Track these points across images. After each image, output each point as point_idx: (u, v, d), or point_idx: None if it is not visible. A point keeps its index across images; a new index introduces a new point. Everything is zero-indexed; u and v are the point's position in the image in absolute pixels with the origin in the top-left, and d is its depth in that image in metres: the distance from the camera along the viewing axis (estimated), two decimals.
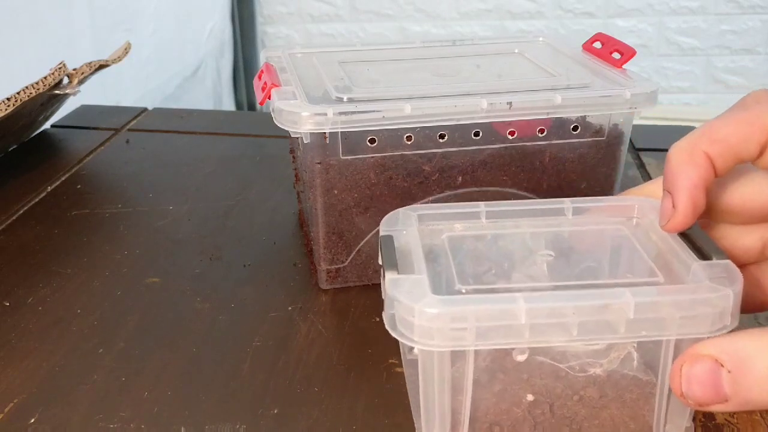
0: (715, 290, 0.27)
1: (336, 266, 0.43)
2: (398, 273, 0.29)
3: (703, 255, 0.30)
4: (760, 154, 0.30)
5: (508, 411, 0.30)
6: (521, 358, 0.30)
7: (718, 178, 0.31)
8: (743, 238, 0.33)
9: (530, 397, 0.30)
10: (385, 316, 0.29)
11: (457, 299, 0.28)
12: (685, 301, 0.27)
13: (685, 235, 0.31)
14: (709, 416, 0.34)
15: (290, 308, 0.42)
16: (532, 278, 0.32)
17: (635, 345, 0.31)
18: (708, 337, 0.27)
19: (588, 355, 0.31)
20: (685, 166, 0.30)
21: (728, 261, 0.29)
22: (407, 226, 0.33)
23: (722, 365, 0.26)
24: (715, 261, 0.29)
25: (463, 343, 0.27)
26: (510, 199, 0.43)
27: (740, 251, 0.33)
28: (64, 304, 0.43)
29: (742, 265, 0.33)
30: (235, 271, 0.46)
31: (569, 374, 0.31)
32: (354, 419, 0.34)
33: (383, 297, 0.29)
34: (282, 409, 0.35)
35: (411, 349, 0.31)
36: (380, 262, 0.31)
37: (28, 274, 0.46)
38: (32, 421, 0.34)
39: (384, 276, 0.29)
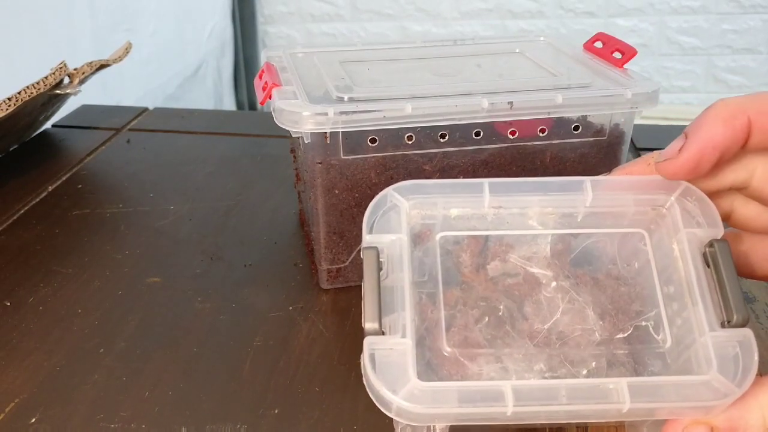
0: (722, 386, 0.26)
1: (337, 266, 0.43)
2: (380, 326, 0.27)
3: (724, 304, 0.28)
4: None
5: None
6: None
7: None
8: (766, 214, 0.32)
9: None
10: (364, 374, 0.27)
11: (440, 389, 0.26)
12: (685, 398, 0.26)
13: (715, 263, 0.29)
14: None
15: (291, 308, 0.42)
16: (530, 264, 0.30)
17: None
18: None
19: None
20: (719, 122, 0.29)
21: (747, 331, 0.27)
22: (395, 228, 0.30)
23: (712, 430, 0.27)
24: (733, 330, 0.27)
25: (444, 421, 0.26)
26: None
27: (760, 225, 0.32)
28: (64, 303, 0.43)
29: (757, 233, 0.32)
30: (236, 271, 0.46)
31: None
32: (355, 419, 0.34)
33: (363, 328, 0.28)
34: (283, 409, 0.35)
35: None
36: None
37: (29, 274, 0.46)
38: (33, 420, 0.34)
39: (364, 323, 0.27)
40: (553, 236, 0.31)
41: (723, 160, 0.30)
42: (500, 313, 0.30)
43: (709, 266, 0.29)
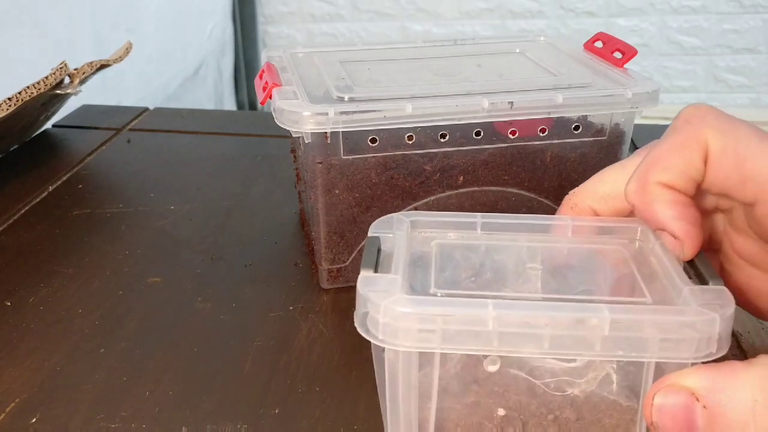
0: (701, 314, 0.26)
1: (337, 266, 0.43)
2: (375, 272, 0.28)
3: (700, 280, 0.29)
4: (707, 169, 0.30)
5: (479, 424, 0.29)
6: (492, 368, 0.29)
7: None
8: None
9: (502, 412, 0.29)
10: (356, 314, 0.28)
11: (426, 300, 0.27)
12: (667, 322, 0.26)
13: (690, 261, 0.30)
14: None
15: (291, 308, 0.42)
16: (519, 292, 0.31)
17: (614, 366, 0.29)
18: (692, 364, 0.26)
19: (565, 373, 0.29)
20: (651, 204, 0.30)
21: (723, 288, 0.28)
22: (398, 230, 0.32)
23: (698, 399, 0.25)
24: (708, 286, 0.28)
25: (429, 345, 0.26)
26: (511, 199, 0.43)
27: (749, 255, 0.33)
28: (65, 303, 0.43)
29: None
30: (237, 271, 0.46)
31: (545, 392, 0.29)
32: (355, 419, 0.34)
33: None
34: (283, 408, 0.35)
35: (382, 350, 0.29)
36: None
37: (30, 274, 0.46)
38: (33, 420, 0.34)
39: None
40: (544, 275, 0.32)
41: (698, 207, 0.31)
42: (491, 278, 0.31)
43: (686, 271, 0.30)
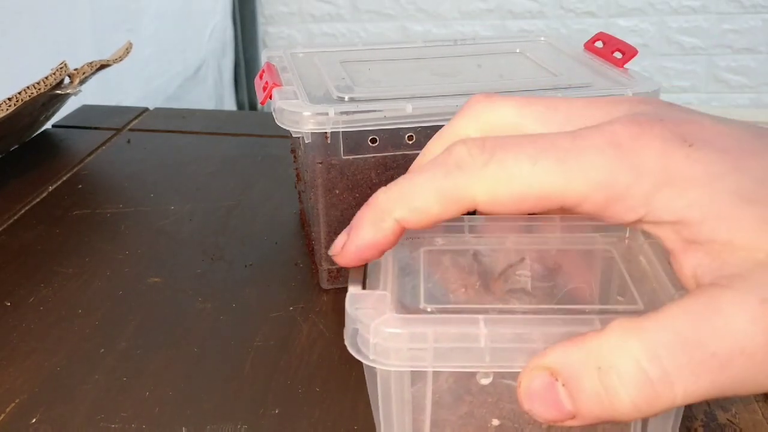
0: None
1: (337, 266, 0.43)
2: (363, 288, 0.28)
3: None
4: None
5: None
6: (485, 381, 0.29)
7: None
8: None
9: (496, 422, 0.29)
10: (345, 332, 0.27)
11: (416, 319, 0.27)
12: None
13: None
14: (711, 416, 0.34)
15: (292, 308, 0.42)
16: (510, 299, 0.31)
17: None
18: None
19: None
20: (368, 224, 0.28)
21: None
22: None
23: (556, 379, 0.22)
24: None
25: (421, 364, 0.26)
26: None
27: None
28: (65, 304, 0.43)
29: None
30: (237, 271, 0.46)
31: None
32: (355, 419, 0.34)
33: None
34: (284, 408, 0.35)
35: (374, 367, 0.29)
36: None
37: (30, 274, 0.46)
38: (33, 420, 0.34)
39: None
40: (534, 281, 0.32)
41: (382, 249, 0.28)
42: (481, 286, 0.31)
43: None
